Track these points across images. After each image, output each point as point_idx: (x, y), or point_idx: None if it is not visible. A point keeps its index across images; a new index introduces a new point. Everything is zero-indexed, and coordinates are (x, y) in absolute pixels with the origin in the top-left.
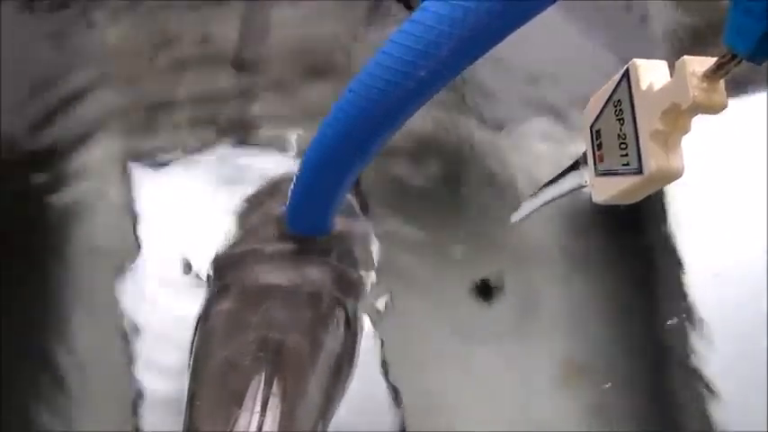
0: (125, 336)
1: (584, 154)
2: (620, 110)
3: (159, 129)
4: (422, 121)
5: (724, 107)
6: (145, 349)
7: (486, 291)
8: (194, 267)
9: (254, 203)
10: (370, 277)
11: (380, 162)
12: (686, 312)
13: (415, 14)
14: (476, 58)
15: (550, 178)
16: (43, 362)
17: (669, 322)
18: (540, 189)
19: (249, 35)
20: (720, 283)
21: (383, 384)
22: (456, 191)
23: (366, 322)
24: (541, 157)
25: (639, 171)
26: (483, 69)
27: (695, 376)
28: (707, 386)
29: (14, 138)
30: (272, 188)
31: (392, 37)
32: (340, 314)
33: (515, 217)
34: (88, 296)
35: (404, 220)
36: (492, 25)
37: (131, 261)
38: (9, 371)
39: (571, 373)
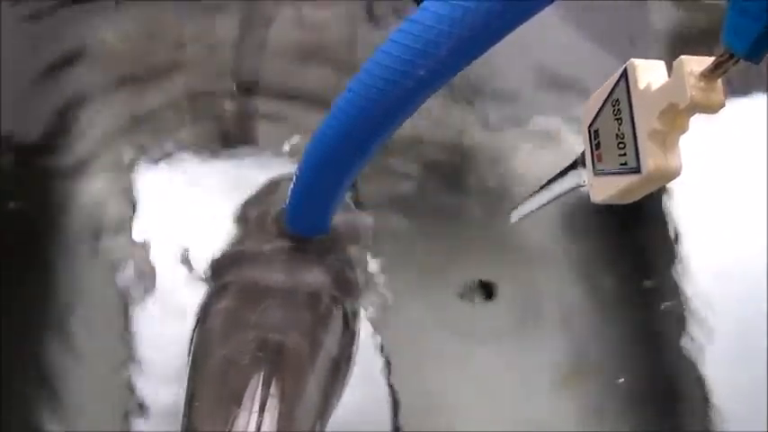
0: (125, 336)
1: (583, 154)
2: (619, 109)
3: (160, 129)
4: (422, 120)
5: (722, 106)
6: (145, 349)
7: (485, 291)
8: (194, 266)
9: (254, 203)
10: (370, 277)
11: (380, 162)
12: (686, 312)
13: (415, 14)
14: (475, 58)
15: (549, 178)
16: (43, 362)
17: (664, 305)
18: (539, 189)
19: (249, 36)
20: (721, 282)
21: (383, 384)
22: (456, 191)
23: (366, 322)
24: (541, 156)
25: (638, 170)
26: (483, 69)
27: (695, 376)
28: (707, 386)
29: (14, 137)
30: (272, 188)
31: (392, 36)
32: (339, 314)
33: (515, 217)
34: (88, 296)
35: (403, 220)
36: (491, 25)
37: (131, 261)
38: (9, 371)
39: (570, 373)
